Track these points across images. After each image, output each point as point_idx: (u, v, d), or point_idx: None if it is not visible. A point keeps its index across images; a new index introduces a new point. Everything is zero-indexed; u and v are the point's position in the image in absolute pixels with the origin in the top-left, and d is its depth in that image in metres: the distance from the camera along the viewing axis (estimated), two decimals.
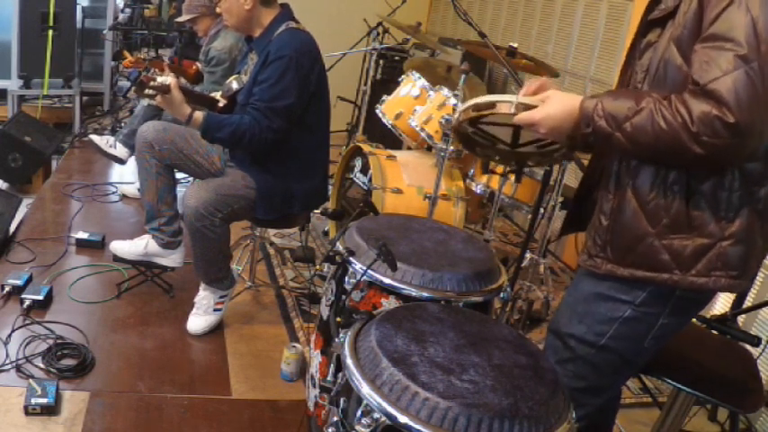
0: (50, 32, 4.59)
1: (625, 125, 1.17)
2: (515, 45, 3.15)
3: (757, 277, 2.48)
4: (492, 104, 1.38)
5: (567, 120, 1.27)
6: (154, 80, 2.10)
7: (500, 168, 2.79)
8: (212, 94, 2.58)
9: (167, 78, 2.15)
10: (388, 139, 3.48)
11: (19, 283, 2.56)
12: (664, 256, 1.26)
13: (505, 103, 1.35)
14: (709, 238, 1.23)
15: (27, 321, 2.39)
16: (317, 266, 3.10)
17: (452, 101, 2.85)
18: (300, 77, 2.24)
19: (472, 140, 1.57)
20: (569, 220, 1.59)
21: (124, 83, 6.42)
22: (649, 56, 1.27)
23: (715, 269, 1.24)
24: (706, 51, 1.11)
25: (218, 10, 2.33)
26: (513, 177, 2.80)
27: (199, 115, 2.19)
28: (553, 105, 1.29)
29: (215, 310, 2.52)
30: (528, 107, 1.32)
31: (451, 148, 2.69)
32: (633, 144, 1.18)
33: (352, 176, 3.21)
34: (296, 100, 2.25)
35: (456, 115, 1.49)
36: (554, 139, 1.36)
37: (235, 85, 2.41)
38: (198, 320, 2.51)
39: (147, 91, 2.09)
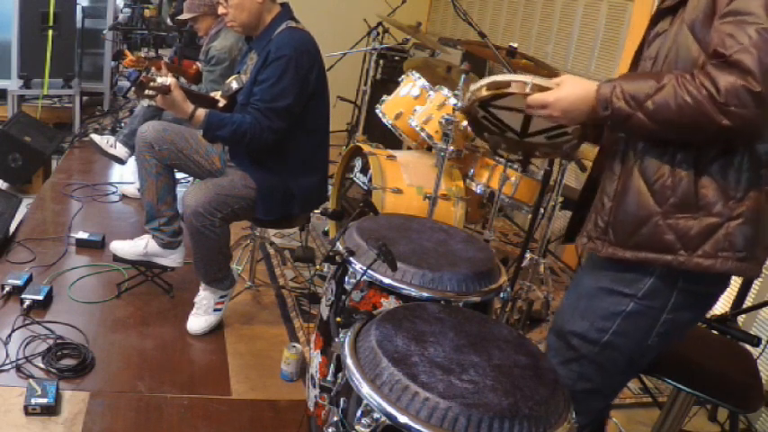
0: (50, 32, 4.59)
1: (647, 104, 1.17)
2: (515, 45, 3.15)
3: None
4: (507, 83, 1.37)
5: (580, 104, 1.27)
6: (153, 81, 2.10)
7: (506, 154, 2.76)
8: (212, 94, 2.58)
9: (167, 79, 2.15)
10: (388, 139, 3.48)
11: (19, 283, 2.56)
12: (669, 236, 1.25)
13: (520, 82, 1.35)
14: (717, 217, 1.22)
15: (27, 321, 2.39)
16: (317, 266, 3.10)
17: (452, 101, 2.85)
18: (300, 77, 2.24)
19: (481, 125, 1.56)
20: (573, 226, 1.56)
21: (124, 83, 6.42)
22: (658, 44, 1.28)
23: (722, 249, 1.23)
24: (727, 26, 1.12)
25: (221, 10, 2.31)
26: (512, 176, 2.80)
27: (201, 113, 2.19)
28: (567, 88, 1.29)
29: (215, 310, 2.52)
30: (542, 89, 1.32)
31: (451, 148, 2.69)
32: (654, 122, 1.18)
33: (352, 176, 3.21)
34: (295, 100, 2.25)
35: (469, 94, 1.48)
36: (565, 123, 1.35)
37: (234, 85, 2.41)
38: (198, 320, 2.51)
39: (146, 92, 2.09)
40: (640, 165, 1.28)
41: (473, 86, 1.46)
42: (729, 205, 1.22)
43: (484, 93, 1.42)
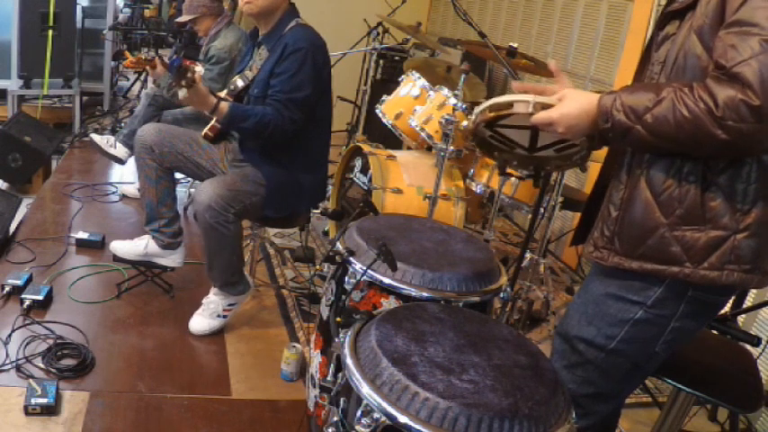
0: (50, 32, 4.59)
1: (645, 117, 1.16)
2: (515, 45, 3.15)
3: None
4: (509, 104, 1.37)
5: (584, 117, 1.26)
6: (194, 68, 2.04)
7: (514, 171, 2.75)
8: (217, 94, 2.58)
9: (198, 67, 2.13)
10: (388, 139, 3.48)
11: (19, 283, 2.55)
12: (675, 248, 1.23)
13: (522, 102, 1.34)
14: (723, 230, 1.21)
15: (27, 321, 2.38)
16: (317, 266, 3.10)
17: (452, 101, 2.85)
18: (316, 70, 2.27)
19: (490, 144, 1.56)
20: (581, 229, 1.53)
21: (124, 83, 6.44)
22: (667, 47, 1.26)
23: (728, 262, 1.21)
24: (731, 37, 1.10)
25: None
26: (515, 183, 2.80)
27: (224, 105, 2.18)
28: (570, 103, 1.28)
29: (219, 316, 2.51)
30: (545, 106, 1.31)
31: (451, 148, 2.69)
32: (654, 136, 1.16)
33: (352, 176, 3.22)
34: (312, 92, 2.27)
35: (473, 117, 1.48)
36: (572, 138, 1.34)
37: (240, 83, 2.41)
38: (201, 322, 2.50)
39: (185, 79, 2.01)
40: (647, 175, 1.27)
41: (477, 110, 1.46)
42: (736, 218, 1.20)
43: (488, 114, 1.42)
